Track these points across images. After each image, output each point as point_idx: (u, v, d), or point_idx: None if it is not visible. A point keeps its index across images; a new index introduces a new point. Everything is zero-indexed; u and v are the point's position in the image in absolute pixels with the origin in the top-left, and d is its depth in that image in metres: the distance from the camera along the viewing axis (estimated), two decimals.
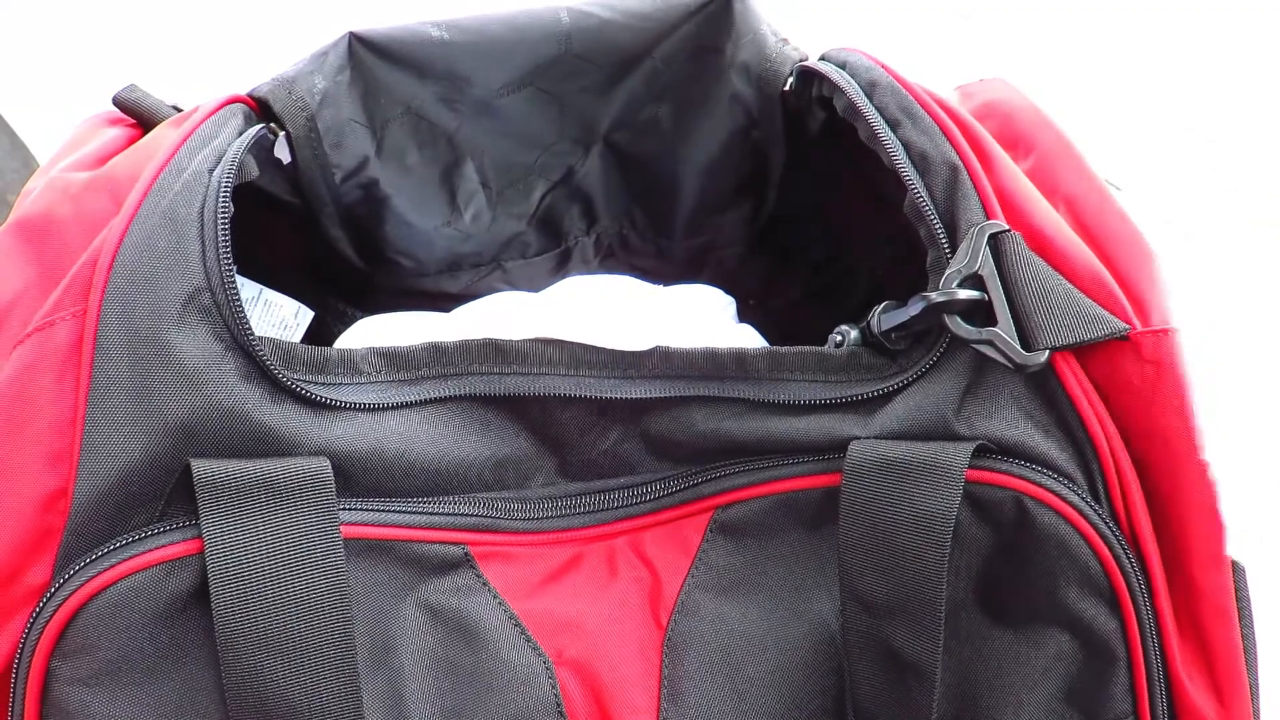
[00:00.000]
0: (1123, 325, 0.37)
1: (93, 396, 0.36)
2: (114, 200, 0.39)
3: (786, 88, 0.51)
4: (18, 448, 0.36)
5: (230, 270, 0.37)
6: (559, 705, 0.39)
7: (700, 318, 0.46)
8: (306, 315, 0.56)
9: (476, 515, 0.40)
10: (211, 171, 0.39)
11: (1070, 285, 0.38)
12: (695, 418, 0.41)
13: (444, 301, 0.55)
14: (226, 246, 0.37)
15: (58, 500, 0.36)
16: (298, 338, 0.54)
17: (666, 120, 0.54)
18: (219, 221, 0.37)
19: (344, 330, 0.54)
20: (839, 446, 0.39)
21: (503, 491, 0.41)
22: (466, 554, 0.40)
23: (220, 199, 0.37)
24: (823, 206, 0.56)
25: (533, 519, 0.41)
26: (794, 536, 0.41)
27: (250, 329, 0.37)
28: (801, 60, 0.51)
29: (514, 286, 0.57)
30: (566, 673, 0.39)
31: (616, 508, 0.42)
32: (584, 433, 0.42)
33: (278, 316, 0.54)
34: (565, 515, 0.42)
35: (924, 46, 2.33)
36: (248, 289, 0.51)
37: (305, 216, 0.52)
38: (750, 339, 0.47)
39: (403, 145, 0.51)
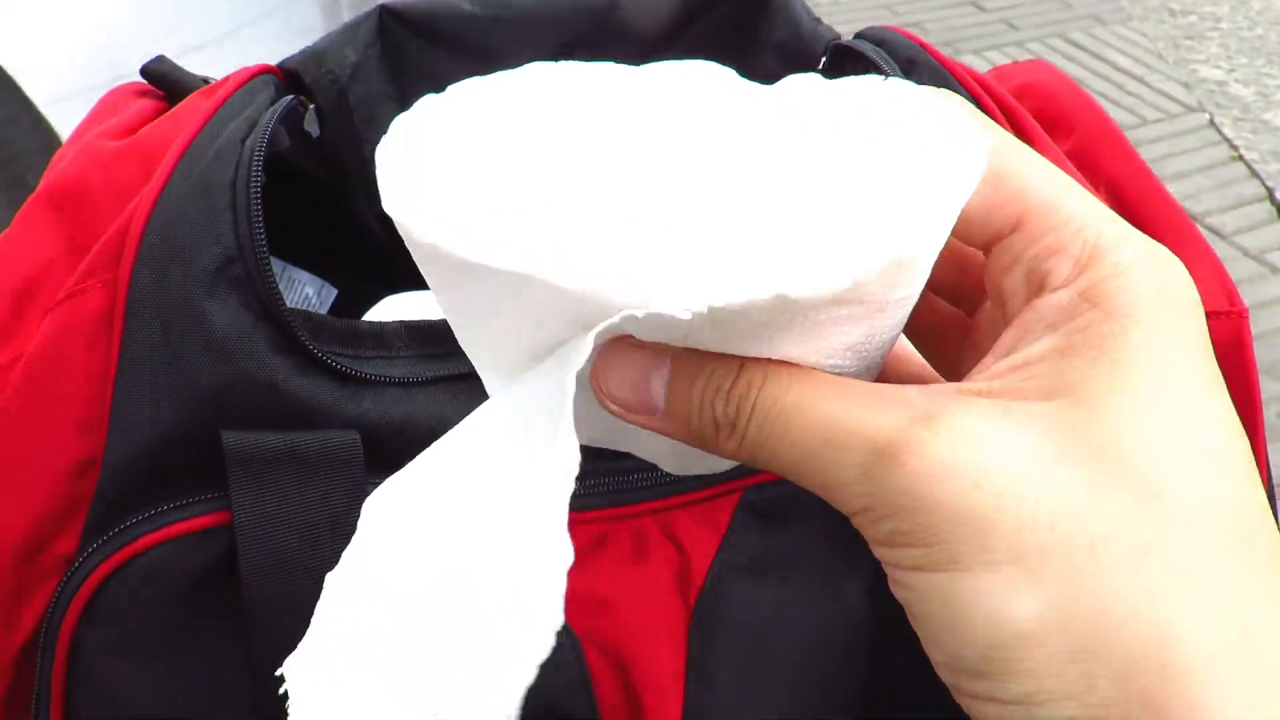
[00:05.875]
0: None
1: (123, 365, 0.36)
2: (145, 168, 0.38)
3: (820, 67, 0.51)
4: (48, 416, 0.36)
5: (262, 240, 0.37)
6: (587, 684, 0.38)
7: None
8: (330, 292, 0.56)
9: None
10: (244, 141, 0.38)
11: None
12: None
13: None
14: (259, 216, 0.37)
15: (87, 469, 0.36)
16: None
17: None
18: (252, 191, 0.37)
19: (368, 308, 0.54)
20: None
21: None
22: None
23: (253, 168, 0.37)
24: None
25: None
26: (825, 518, 0.41)
27: (282, 300, 0.37)
28: (835, 39, 0.50)
29: None
30: (594, 650, 0.39)
31: (645, 488, 0.42)
32: None
33: (301, 294, 0.54)
34: (593, 495, 0.41)
35: (940, 35, 2.32)
36: (273, 265, 0.51)
37: (331, 192, 0.51)
38: None
39: None
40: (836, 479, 0.23)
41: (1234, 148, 2.00)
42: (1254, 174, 1.93)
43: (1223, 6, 2.50)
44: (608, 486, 0.41)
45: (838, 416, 0.23)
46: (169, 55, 0.48)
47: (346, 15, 1.45)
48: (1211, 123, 2.07)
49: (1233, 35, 2.38)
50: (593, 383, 0.25)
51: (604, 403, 0.25)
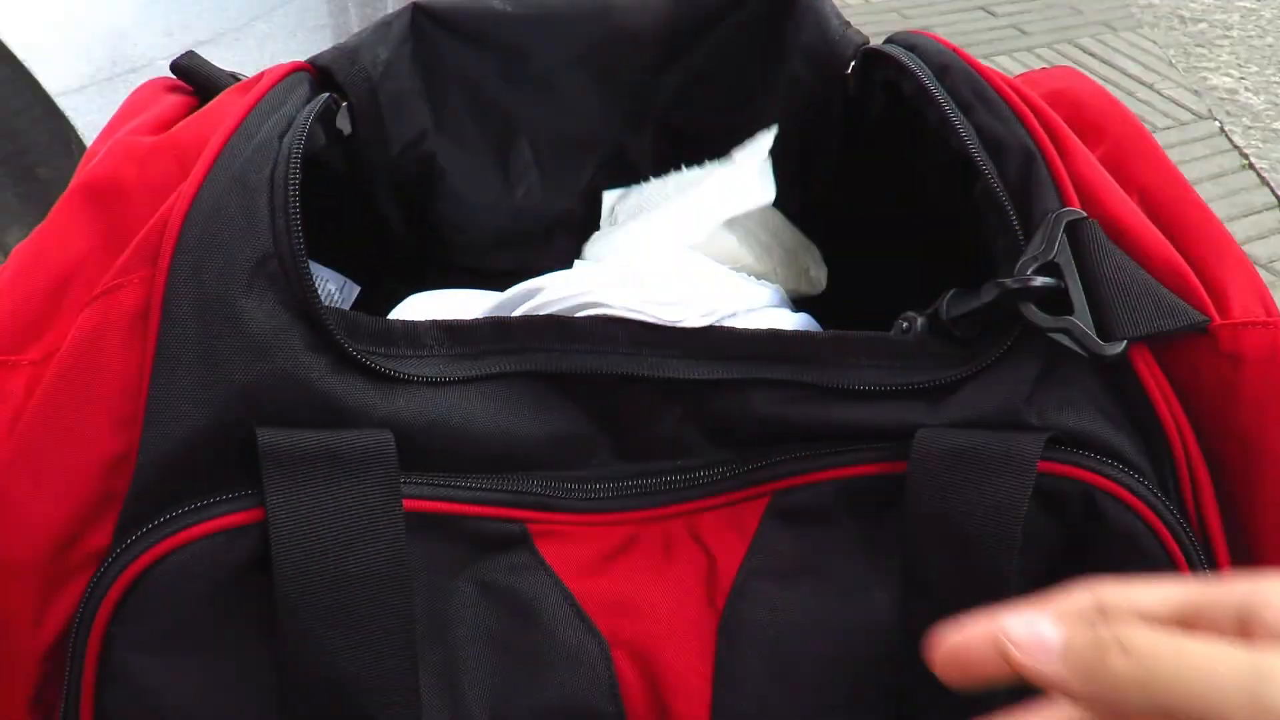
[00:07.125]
0: (1201, 317, 0.37)
1: (159, 362, 0.36)
2: (181, 164, 0.38)
3: (848, 71, 0.51)
4: (83, 411, 0.35)
5: (299, 238, 0.37)
6: (614, 686, 0.38)
7: (757, 300, 0.46)
8: (352, 290, 0.56)
9: (535, 493, 0.40)
10: (282, 137, 0.38)
11: (1148, 275, 0.37)
12: (756, 402, 0.41)
13: (492, 278, 0.54)
14: (296, 213, 0.37)
15: (121, 464, 0.36)
16: None
17: (723, 101, 0.54)
18: (290, 188, 0.37)
19: (390, 306, 0.53)
20: (904, 434, 0.39)
21: (560, 470, 0.41)
22: (524, 532, 0.39)
23: (291, 165, 0.37)
24: (875, 197, 0.56)
25: (590, 499, 0.41)
26: (854, 525, 0.41)
27: (318, 297, 0.37)
28: (864, 44, 0.50)
29: (564, 265, 0.57)
30: (622, 654, 0.39)
31: (673, 490, 0.42)
32: (643, 413, 0.41)
33: (324, 290, 0.54)
34: (622, 496, 0.41)
35: (950, 40, 2.31)
36: None
37: (357, 189, 0.51)
38: (807, 326, 0.47)
39: (461, 118, 0.51)
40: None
41: (1244, 156, 2.00)
42: (1264, 182, 1.93)
43: (1233, 14, 2.49)
44: (636, 489, 0.41)
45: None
46: (181, 48, 0.48)
47: (353, 10, 1.45)
48: (1221, 131, 2.07)
49: (1243, 43, 2.37)
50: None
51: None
